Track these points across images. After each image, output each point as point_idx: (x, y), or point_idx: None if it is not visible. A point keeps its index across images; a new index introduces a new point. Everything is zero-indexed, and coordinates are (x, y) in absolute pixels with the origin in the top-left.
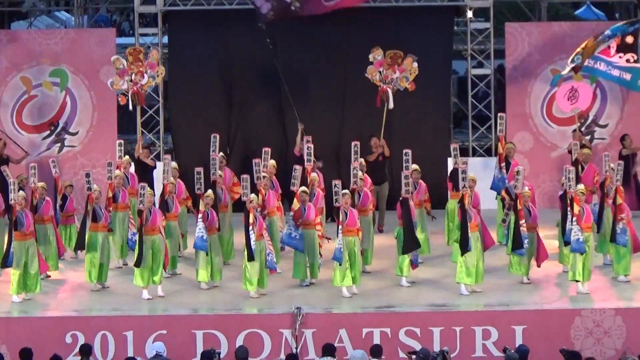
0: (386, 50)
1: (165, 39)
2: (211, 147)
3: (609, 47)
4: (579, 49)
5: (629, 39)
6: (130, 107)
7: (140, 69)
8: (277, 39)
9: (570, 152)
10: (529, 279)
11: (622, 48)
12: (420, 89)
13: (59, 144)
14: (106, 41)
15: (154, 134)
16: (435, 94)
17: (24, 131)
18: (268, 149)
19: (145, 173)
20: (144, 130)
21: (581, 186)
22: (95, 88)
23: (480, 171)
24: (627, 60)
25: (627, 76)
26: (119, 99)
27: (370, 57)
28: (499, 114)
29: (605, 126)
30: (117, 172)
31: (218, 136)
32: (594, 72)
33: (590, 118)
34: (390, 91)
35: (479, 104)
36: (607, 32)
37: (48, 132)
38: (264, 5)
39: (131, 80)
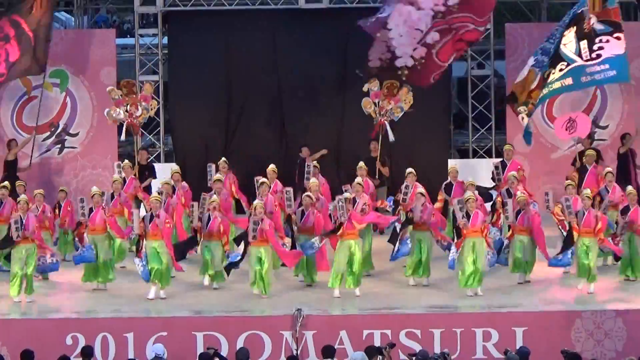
0: (383, 81)
1: (165, 39)
2: (208, 177)
3: (580, 54)
4: (522, 98)
5: (586, 26)
6: (123, 137)
7: (135, 101)
8: (277, 39)
9: (576, 159)
10: (528, 279)
11: (583, 36)
12: (420, 90)
13: (59, 145)
14: (106, 42)
15: (154, 135)
16: (435, 95)
17: (24, 132)
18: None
19: (142, 176)
20: (143, 132)
21: (587, 191)
22: (95, 89)
23: (480, 172)
24: (560, 70)
25: (569, 80)
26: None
27: (365, 87)
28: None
29: (605, 127)
30: (115, 176)
31: (214, 165)
32: (581, 85)
33: (591, 119)
34: (387, 124)
35: (479, 105)
36: (545, 59)
37: (48, 133)
38: (375, 61)
39: (127, 111)
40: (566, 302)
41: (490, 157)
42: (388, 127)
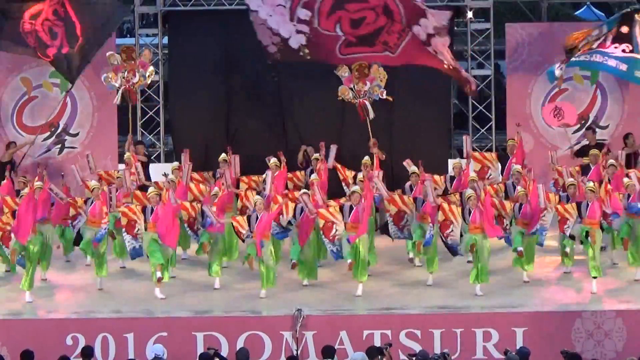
0: (350, 64)
1: (165, 39)
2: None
3: (605, 38)
4: (570, 45)
5: (624, 29)
6: (118, 101)
7: (133, 67)
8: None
9: (576, 153)
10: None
11: (618, 38)
12: (420, 90)
13: (59, 146)
14: (106, 42)
15: (154, 135)
16: (435, 95)
17: (24, 132)
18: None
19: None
20: (144, 131)
21: (590, 183)
22: (95, 89)
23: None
24: (623, 51)
25: (624, 67)
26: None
27: (338, 74)
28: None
29: (605, 127)
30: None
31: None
32: (590, 65)
33: (591, 119)
34: (368, 103)
35: (480, 105)
36: (604, 28)
37: (48, 133)
38: (271, 47)
39: (124, 77)
40: (566, 302)
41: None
42: (369, 105)
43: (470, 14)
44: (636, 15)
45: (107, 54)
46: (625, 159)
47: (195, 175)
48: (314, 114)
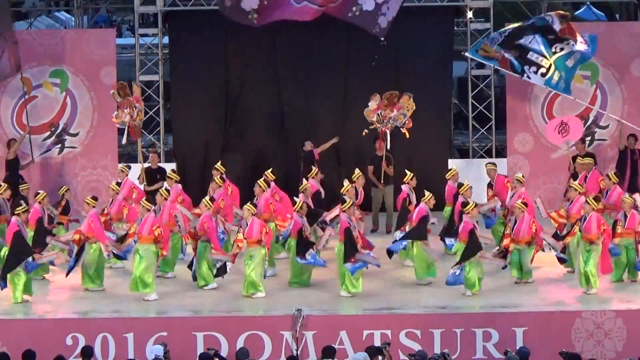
0: (383, 93)
1: (166, 39)
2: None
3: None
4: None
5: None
6: (125, 141)
7: (131, 103)
8: (277, 38)
9: (571, 163)
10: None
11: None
12: (420, 90)
13: (59, 145)
14: (106, 41)
15: (154, 135)
16: (435, 95)
17: (24, 132)
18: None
19: (154, 180)
20: (143, 131)
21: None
22: (95, 89)
23: (480, 172)
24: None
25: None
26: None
27: (370, 104)
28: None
29: (605, 127)
30: (113, 183)
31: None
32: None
33: (591, 119)
34: (388, 132)
35: (479, 105)
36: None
37: (48, 133)
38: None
39: (129, 113)
40: (566, 302)
41: (490, 157)
42: (388, 135)
43: (470, 14)
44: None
45: (111, 92)
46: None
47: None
48: (314, 114)
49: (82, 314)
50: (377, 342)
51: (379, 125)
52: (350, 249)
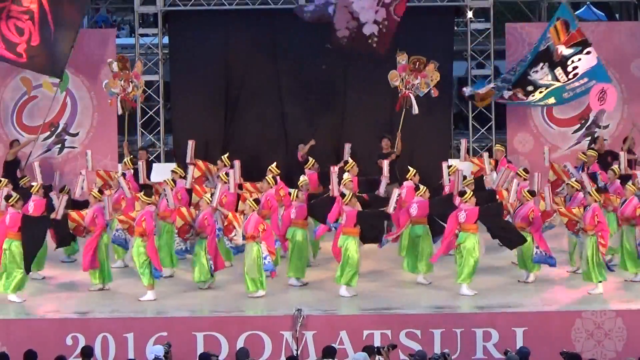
0: (410, 55)
1: (166, 39)
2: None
3: (557, 79)
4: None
5: (556, 57)
6: (120, 112)
7: (128, 77)
8: (277, 39)
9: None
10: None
11: (556, 65)
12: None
13: (59, 145)
14: (106, 41)
15: (154, 135)
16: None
17: (24, 132)
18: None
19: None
20: (144, 131)
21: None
22: (95, 89)
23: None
24: (575, 71)
25: (592, 83)
26: (109, 100)
27: (398, 58)
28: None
29: (605, 127)
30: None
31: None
32: (564, 100)
33: (591, 119)
34: (412, 97)
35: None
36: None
37: (48, 133)
38: (342, 30)
39: (122, 85)
40: (566, 302)
41: (491, 157)
42: (413, 100)
43: (470, 14)
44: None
45: (108, 60)
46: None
47: (249, 186)
48: (314, 113)
49: (82, 314)
50: (377, 342)
51: (402, 88)
52: (371, 230)
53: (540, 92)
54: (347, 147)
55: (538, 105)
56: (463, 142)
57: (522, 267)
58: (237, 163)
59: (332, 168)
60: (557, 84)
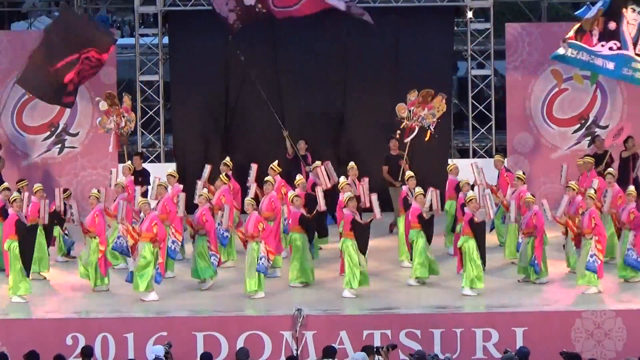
0: (420, 90)
1: (166, 39)
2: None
3: (591, 35)
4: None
5: (612, 25)
6: (111, 149)
7: (119, 112)
8: (277, 39)
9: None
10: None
11: (605, 36)
12: (420, 89)
13: (59, 145)
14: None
15: (154, 135)
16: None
17: (24, 132)
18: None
19: (136, 182)
20: (144, 131)
21: (590, 191)
22: (95, 89)
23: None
24: (610, 49)
25: (611, 65)
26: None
27: (408, 96)
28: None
29: (605, 127)
30: (118, 180)
31: (209, 167)
32: (577, 62)
33: (591, 119)
34: (417, 128)
35: (479, 105)
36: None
37: (48, 133)
38: (230, 16)
39: (115, 121)
40: (566, 302)
41: (491, 157)
42: (414, 133)
43: (470, 14)
44: (623, 10)
45: (96, 99)
46: (624, 162)
47: None
48: (314, 113)
49: (82, 314)
50: (377, 342)
51: (407, 122)
52: (363, 239)
53: (610, 49)
54: (254, 167)
55: (595, 66)
56: (565, 167)
57: (521, 272)
58: (254, 166)
59: (320, 165)
60: (630, 52)
